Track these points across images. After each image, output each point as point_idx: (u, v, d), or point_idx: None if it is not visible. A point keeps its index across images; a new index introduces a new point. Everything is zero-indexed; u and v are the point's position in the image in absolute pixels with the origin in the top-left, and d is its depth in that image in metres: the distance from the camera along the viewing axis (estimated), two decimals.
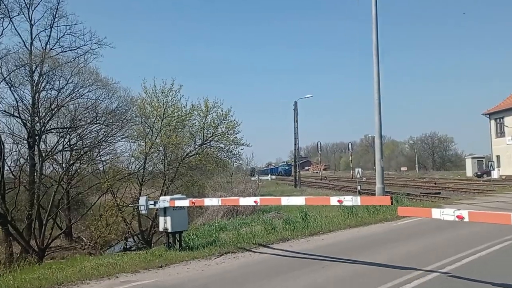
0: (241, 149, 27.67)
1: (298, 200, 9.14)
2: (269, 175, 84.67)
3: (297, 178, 51.94)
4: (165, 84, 24.78)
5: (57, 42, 24.31)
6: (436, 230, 13.09)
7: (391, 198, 7.39)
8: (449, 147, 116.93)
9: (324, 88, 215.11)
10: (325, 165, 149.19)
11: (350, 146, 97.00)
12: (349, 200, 7.81)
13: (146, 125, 24.80)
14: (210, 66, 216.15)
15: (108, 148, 24.03)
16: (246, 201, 10.45)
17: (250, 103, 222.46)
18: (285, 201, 9.11)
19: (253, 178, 33.14)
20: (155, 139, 24.23)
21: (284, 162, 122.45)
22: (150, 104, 24.99)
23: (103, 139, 23.10)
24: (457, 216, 6.48)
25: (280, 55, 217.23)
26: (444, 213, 6.65)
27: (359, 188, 33.87)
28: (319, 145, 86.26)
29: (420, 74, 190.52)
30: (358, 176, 35.11)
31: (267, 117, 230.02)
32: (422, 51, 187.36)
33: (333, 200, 8.11)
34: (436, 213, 6.81)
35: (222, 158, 27.85)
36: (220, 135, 26.64)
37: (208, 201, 11.34)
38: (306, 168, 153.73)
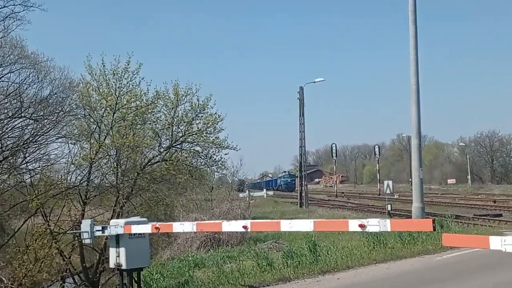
0: (225, 154, 27.59)
1: (305, 225, 9.02)
2: (264, 190, 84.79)
3: (303, 195, 52.09)
4: (118, 62, 24.53)
5: None
6: (495, 267, 13.08)
7: (434, 222, 7.22)
8: None
9: (341, 71, 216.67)
10: (342, 177, 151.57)
11: (377, 150, 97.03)
12: (375, 225, 7.78)
13: (92, 120, 24.62)
14: (181, 39, 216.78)
15: (38, 151, 23.78)
16: (232, 226, 10.26)
17: (238, 91, 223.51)
18: (287, 226, 9.07)
19: (241, 195, 33.11)
20: (104, 139, 24.05)
21: (285, 172, 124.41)
22: (97, 91, 24.79)
23: (31, 139, 22.88)
24: None
25: (280, 24, 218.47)
26: (507, 243, 6.48)
27: (389, 209, 34.04)
28: (333, 149, 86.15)
29: (473, 51, 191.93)
30: (388, 191, 35.20)
31: (262, 111, 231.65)
32: (475, 21, 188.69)
33: (353, 225, 8.03)
34: (495, 242, 6.62)
35: (199, 166, 27.70)
36: (196, 134, 26.51)
37: (179, 226, 11.20)
38: (316, 180, 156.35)
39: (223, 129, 26.93)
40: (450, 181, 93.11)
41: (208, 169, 28.47)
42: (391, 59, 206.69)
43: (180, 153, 26.71)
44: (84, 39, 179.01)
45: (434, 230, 7.28)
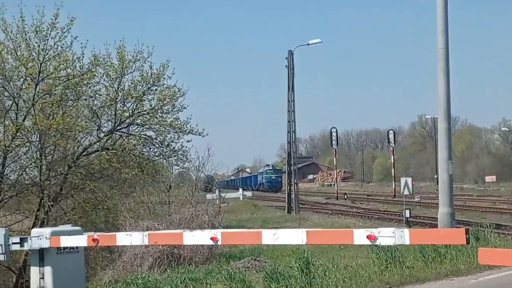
0: (188, 142, 27.61)
1: (294, 236, 9.03)
2: (241, 190, 76.50)
3: (292, 196, 51.40)
4: (42, 15, 24.44)
5: None
6: None
7: (467, 232, 7.13)
8: None
9: (341, 33, 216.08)
10: (344, 172, 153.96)
11: (391, 136, 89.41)
12: (389, 236, 7.78)
13: (7, 94, 24.49)
14: None
15: None
16: (197, 238, 10.09)
17: (204, 59, 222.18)
18: (270, 237, 9.05)
19: (209, 196, 32.53)
20: (24, 120, 23.97)
21: (268, 166, 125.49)
22: (14, 54, 24.64)
23: None
24: None
25: None
26: None
27: (407, 215, 34.02)
28: (333, 135, 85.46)
29: None
30: (406, 192, 35.25)
31: (238, 87, 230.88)
32: None
33: (360, 236, 8.00)
34: None
35: (152, 157, 27.66)
36: (148, 113, 26.47)
37: (125, 238, 11.13)
38: (310, 177, 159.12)
39: (185, 108, 27.15)
40: (488, 178, 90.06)
41: (164, 161, 28.42)
42: (410, 16, 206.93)
43: (126, 140, 26.64)
44: None
45: (468, 243, 7.20)
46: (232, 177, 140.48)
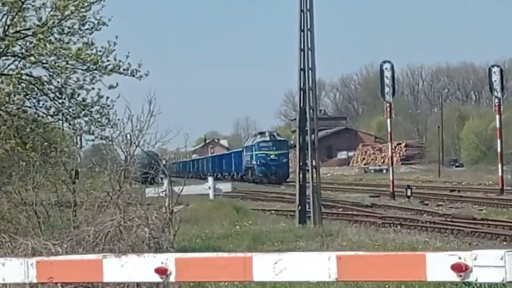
0: (111, 88, 17.62)
1: (314, 267, 5.79)
2: (210, 179, 40.57)
3: (309, 192, 29.24)
4: None
5: None
6: None
7: None
8: None
9: None
10: (406, 146, 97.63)
11: (495, 78, 55.04)
12: (494, 265, 5.32)
13: None
14: None
15: None
16: (129, 269, 6.47)
17: None
18: (268, 269, 5.84)
19: (151, 192, 18.67)
20: None
21: (263, 135, 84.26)
22: None
23: None
24: None
25: None
26: None
27: None
28: (387, 75, 53.59)
29: None
30: None
31: None
32: None
33: (437, 266, 5.46)
34: None
35: (42, 117, 18.93)
36: (35, 35, 16.78)
37: None
38: (343, 154, 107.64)
39: (105, 24, 17.95)
40: None
41: (65, 124, 18.83)
42: None
43: None
44: None
45: None
46: (195, 156, 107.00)
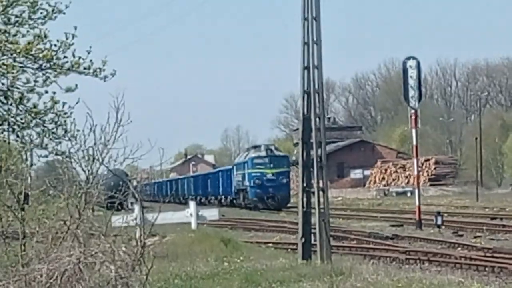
0: (69, 91, 13.94)
1: None
2: (192, 204, 36.63)
3: (314, 220, 23.08)
4: None
5: None
6: None
7: None
8: None
9: None
10: (436, 163, 79.75)
11: None
12: None
13: None
14: None
15: None
16: None
17: None
18: None
19: (118, 221, 14.25)
20: None
21: (257, 149, 67.28)
22: None
23: None
24: None
25: None
26: None
27: None
28: (411, 75, 41.58)
29: None
30: None
31: None
32: None
33: None
34: None
35: None
36: None
37: None
38: (357, 172, 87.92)
39: (62, 12, 13.16)
40: None
41: (13, 137, 14.80)
42: None
43: None
44: None
45: None
46: (173, 175, 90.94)
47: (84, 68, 12.94)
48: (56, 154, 14.02)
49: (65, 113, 13.09)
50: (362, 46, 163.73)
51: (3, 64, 12.57)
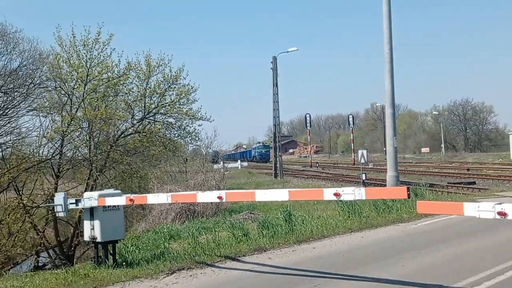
0: (199, 125, 27.84)
1: (279, 195, 9.22)
2: (239, 161, 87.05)
3: (278, 165, 52.75)
4: (88, 33, 24.32)
5: None
6: (470, 233, 13.35)
7: (408, 189, 7.25)
8: (487, 119, 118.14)
9: (315, 41, 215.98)
10: (316, 147, 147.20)
11: (351, 119, 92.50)
12: (350, 193, 7.79)
13: (63, 93, 24.45)
14: (153, 7, 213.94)
15: (8, 125, 23.61)
16: (207, 197, 10.27)
17: (211, 63, 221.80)
18: (261, 195, 9.18)
19: (216, 166, 32.62)
20: (76, 111, 23.93)
21: (259, 143, 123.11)
22: (68, 62, 24.60)
23: (1, 112, 22.67)
24: (498, 213, 6.36)
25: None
26: (481, 209, 6.58)
27: (363, 178, 34.28)
28: (307, 119, 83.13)
29: (446, 24, 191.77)
30: (363, 161, 35.47)
31: (236, 83, 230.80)
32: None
33: (328, 194, 8.10)
34: (469, 209, 6.75)
35: (172, 138, 27.76)
36: (169, 105, 26.59)
37: (153, 198, 11.17)
38: (291, 151, 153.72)
39: (196, 100, 27.44)
40: (424, 150, 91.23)
41: (181, 140, 28.56)
42: (364, 30, 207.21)
43: (153, 125, 26.71)
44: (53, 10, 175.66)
45: (409, 197, 7.32)
46: (232, 152, 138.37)
47: (204, 118, 27.82)
48: (195, 145, 30.19)
49: (197, 132, 28.19)
50: (293, 108, 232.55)
51: (177, 117, 27.57)
